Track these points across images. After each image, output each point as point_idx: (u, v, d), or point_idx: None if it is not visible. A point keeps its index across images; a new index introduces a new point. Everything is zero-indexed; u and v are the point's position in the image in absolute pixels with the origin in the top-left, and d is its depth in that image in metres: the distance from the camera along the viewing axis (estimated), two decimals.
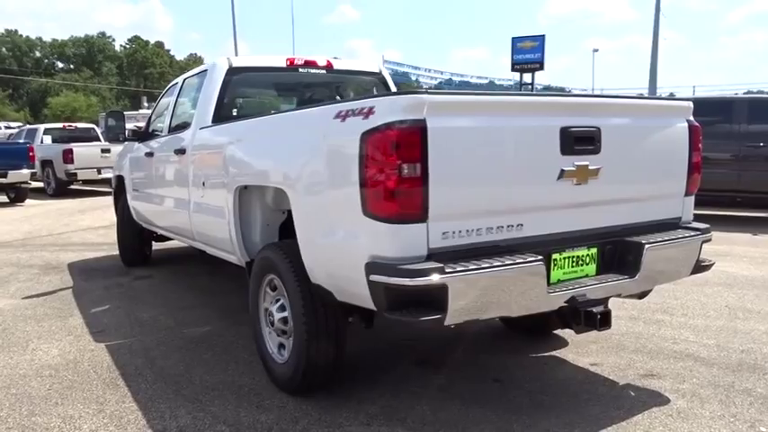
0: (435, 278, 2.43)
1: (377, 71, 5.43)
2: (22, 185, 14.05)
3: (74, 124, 19.82)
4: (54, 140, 16.79)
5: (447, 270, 2.46)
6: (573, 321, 2.93)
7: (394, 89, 5.42)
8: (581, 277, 3.01)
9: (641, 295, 3.56)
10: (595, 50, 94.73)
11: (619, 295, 3.16)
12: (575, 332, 3.08)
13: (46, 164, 15.66)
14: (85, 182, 15.79)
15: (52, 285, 6.16)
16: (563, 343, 4.16)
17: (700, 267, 3.38)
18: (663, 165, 3.27)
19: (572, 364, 3.83)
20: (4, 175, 13.44)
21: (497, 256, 2.64)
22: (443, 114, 2.52)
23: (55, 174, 15.53)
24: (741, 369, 3.66)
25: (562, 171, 2.81)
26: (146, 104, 56.90)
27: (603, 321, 2.90)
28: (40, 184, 15.84)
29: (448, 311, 2.49)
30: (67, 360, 4.04)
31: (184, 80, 5.40)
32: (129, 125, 6.69)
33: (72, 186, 15.94)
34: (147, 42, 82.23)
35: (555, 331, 4.28)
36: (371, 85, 5.42)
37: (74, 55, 78.25)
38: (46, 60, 78.51)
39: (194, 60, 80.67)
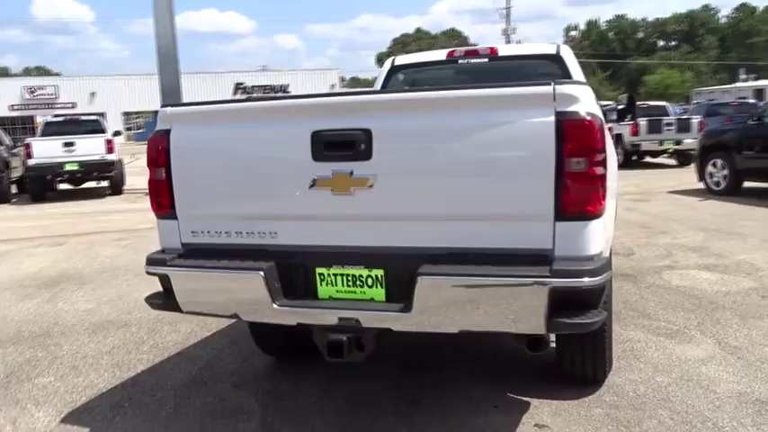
0: (159, 268, 2.82)
1: (553, 53, 4.78)
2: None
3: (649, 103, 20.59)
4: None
5: (169, 263, 2.79)
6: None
7: (577, 73, 4.67)
8: (363, 300, 2.64)
9: (530, 346, 2.67)
10: None
11: (388, 330, 2.55)
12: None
13: (617, 137, 16.79)
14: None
15: None
16: (565, 394, 3.24)
17: (560, 324, 2.33)
18: (499, 175, 2.38)
19: (516, 417, 3.06)
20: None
21: (239, 260, 2.73)
22: (186, 124, 2.79)
23: (624, 146, 16.76)
24: None
25: (315, 179, 2.58)
26: (742, 76, 53.00)
27: (332, 350, 2.53)
28: None
29: (177, 300, 2.82)
30: None
31: None
32: None
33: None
34: (754, 9, 75.33)
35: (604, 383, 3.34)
36: (545, 69, 4.81)
37: (674, 32, 78.54)
38: (648, 40, 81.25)
39: None
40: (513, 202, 2.40)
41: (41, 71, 71.92)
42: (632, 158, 17.17)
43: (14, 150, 16.50)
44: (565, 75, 4.67)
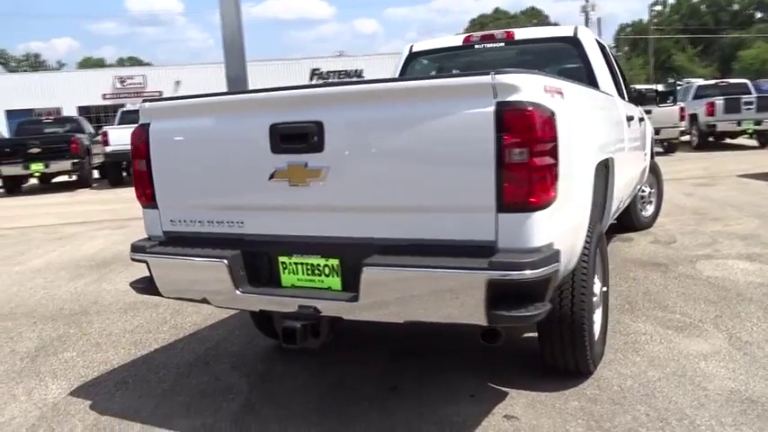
0: (140, 255, 2.99)
1: (570, 35, 4.62)
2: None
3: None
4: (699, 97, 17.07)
5: (147, 250, 2.96)
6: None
7: (595, 56, 4.51)
8: (322, 288, 2.71)
9: (484, 337, 2.66)
10: None
11: (340, 319, 2.60)
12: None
13: (692, 117, 16.48)
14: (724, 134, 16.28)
15: None
16: (546, 387, 3.19)
17: (501, 317, 2.30)
18: (444, 166, 2.37)
19: (489, 407, 3.04)
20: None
21: (208, 248, 2.86)
22: (162, 118, 2.94)
23: (699, 127, 16.30)
24: None
25: (273, 171, 2.66)
26: None
27: (286, 336, 2.61)
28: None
29: (156, 285, 2.99)
30: None
31: None
32: None
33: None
34: None
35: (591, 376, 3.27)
36: (562, 52, 4.67)
37: None
38: (744, 12, 76.07)
39: None
40: (458, 193, 2.39)
41: (134, 61, 75.41)
42: (708, 140, 16.31)
43: (95, 138, 17.57)
44: (582, 57, 4.56)
